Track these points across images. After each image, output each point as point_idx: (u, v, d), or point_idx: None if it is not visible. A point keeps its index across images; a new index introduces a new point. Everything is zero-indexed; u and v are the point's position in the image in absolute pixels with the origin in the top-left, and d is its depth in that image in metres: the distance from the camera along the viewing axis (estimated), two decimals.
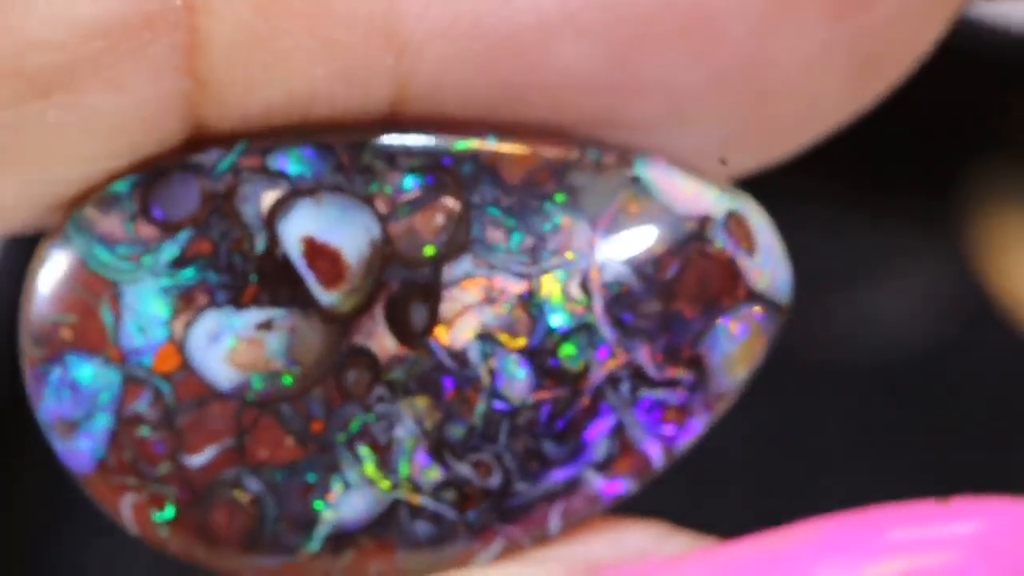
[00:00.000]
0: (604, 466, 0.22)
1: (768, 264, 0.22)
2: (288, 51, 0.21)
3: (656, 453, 0.22)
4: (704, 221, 0.22)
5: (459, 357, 0.21)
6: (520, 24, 0.21)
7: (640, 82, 0.21)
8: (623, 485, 0.22)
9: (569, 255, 0.22)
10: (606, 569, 0.21)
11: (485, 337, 0.21)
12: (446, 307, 0.21)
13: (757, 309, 0.22)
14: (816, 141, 0.24)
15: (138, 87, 0.20)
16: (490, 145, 0.21)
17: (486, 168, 0.21)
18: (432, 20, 0.21)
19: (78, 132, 0.21)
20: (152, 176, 0.21)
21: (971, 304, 0.64)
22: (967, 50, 0.57)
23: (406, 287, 0.21)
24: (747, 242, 0.22)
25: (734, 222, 0.22)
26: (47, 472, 0.62)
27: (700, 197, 0.22)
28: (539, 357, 0.22)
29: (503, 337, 0.21)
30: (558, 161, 0.22)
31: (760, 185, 0.24)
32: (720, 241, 0.22)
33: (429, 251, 0.21)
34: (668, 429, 0.22)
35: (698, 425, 0.22)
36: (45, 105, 0.20)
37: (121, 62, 0.20)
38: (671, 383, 0.22)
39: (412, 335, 0.21)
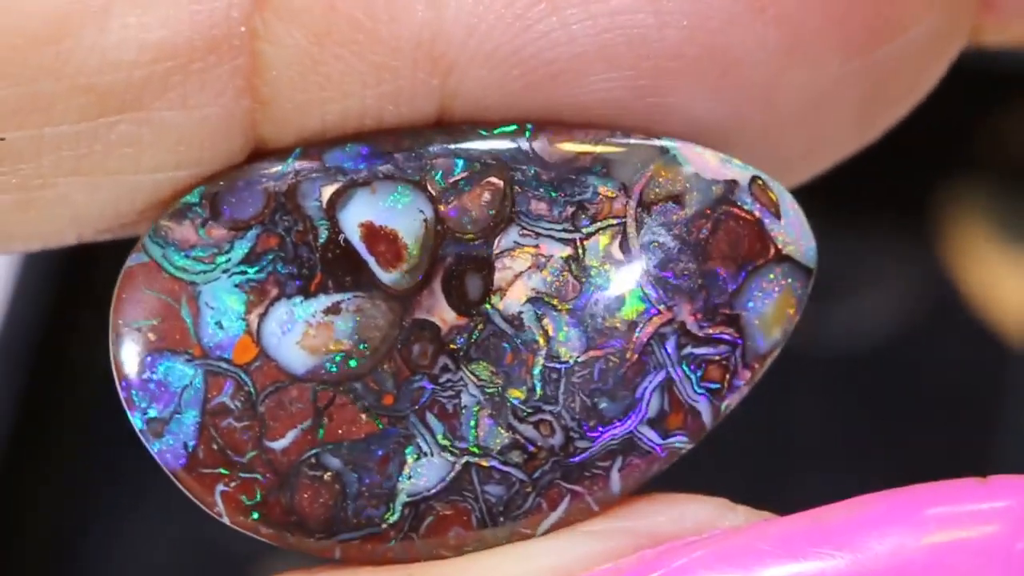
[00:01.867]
0: (657, 421, 0.23)
1: (794, 231, 0.23)
2: (340, 74, 0.22)
3: (705, 409, 0.23)
4: (731, 185, 0.23)
5: (514, 321, 0.23)
6: (557, 55, 0.22)
7: (663, 109, 0.23)
8: (677, 440, 0.23)
9: (609, 220, 0.23)
10: (673, 543, 0.22)
11: (536, 300, 0.23)
12: (499, 276, 0.23)
13: (786, 272, 0.23)
14: (822, 172, 0.25)
15: (203, 105, 0.22)
16: (528, 130, 0.23)
17: (525, 148, 0.23)
18: (475, 47, 0.22)
19: (147, 145, 0.22)
20: (218, 185, 0.22)
21: (941, 306, 0.65)
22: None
23: (460, 260, 0.23)
24: (772, 206, 0.23)
25: (758, 187, 0.23)
26: (73, 465, 0.63)
27: (725, 166, 0.23)
28: (588, 317, 0.23)
29: (553, 300, 0.23)
30: (591, 138, 0.23)
31: None
32: (747, 204, 0.23)
33: (479, 226, 0.23)
34: (713, 385, 0.23)
35: (740, 383, 0.23)
36: (117, 120, 0.22)
37: (188, 82, 0.22)
38: (713, 340, 0.23)
39: (469, 304, 0.23)
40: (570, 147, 0.23)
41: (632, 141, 0.23)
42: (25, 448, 0.60)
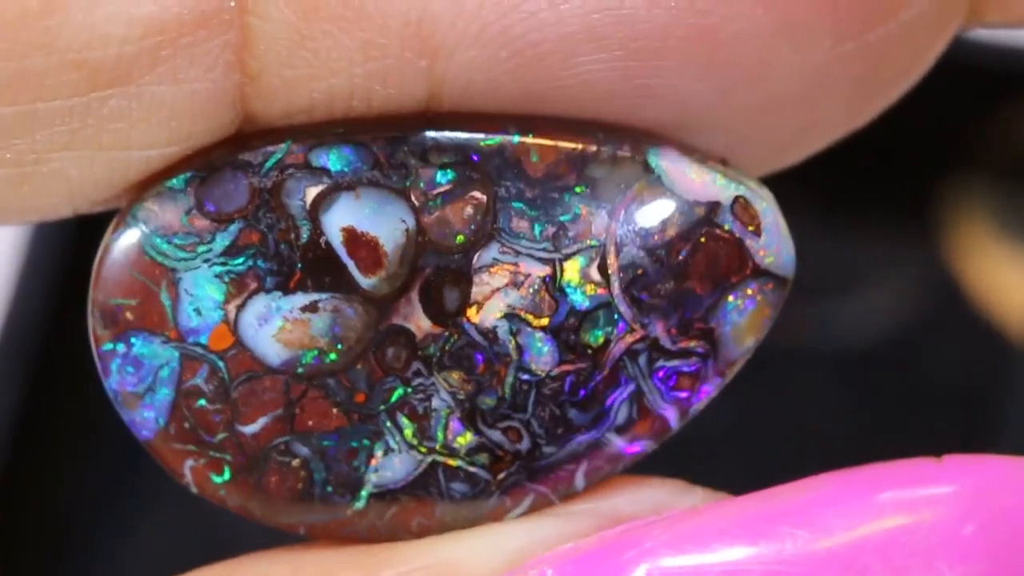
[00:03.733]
0: (624, 429, 0.23)
1: (773, 243, 0.23)
2: (328, 50, 0.22)
3: (672, 415, 0.23)
4: (713, 206, 0.23)
5: (488, 335, 0.23)
6: (545, 35, 0.22)
7: (652, 91, 0.23)
8: (642, 445, 0.23)
9: (589, 241, 0.23)
10: (632, 522, 0.23)
11: (512, 317, 0.23)
12: (476, 290, 0.23)
13: (763, 283, 0.23)
14: (813, 154, 0.25)
15: (193, 79, 0.22)
16: (514, 141, 0.23)
17: (510, 163, 0.23)
18: (463, 27, 0.22)
19: (138, 120, 0.22)
20: (204, 173, 0.23)
21: (944, 304, 0.65)
22: (944, 70, 0.58)
23: (439, 272, 0.23)
24: (753, 224, 0.23)
25: (740, 206, 0.23)
26: (84, 466, 0.63)
27: (709, 185, 0.23)
28: (562, 334, 0.23)
29: (529, 316, 0.23)
30: (577, 155, 0.23)
31: None
32: (728, 224, 0.23)
33: (460, 239, 0.23)
34: (683, 394, 0.23)
35: (710, 389, 0.23)
36: (108, 94, 0.22)
37: (178, 56, 0.22)
38: (685, 353, 0.23)
39: (445, 315, 0.23)
40: (555, 161, 0.23)
41: (618, 154, 0.23)
42: (28, 448, 0.60)
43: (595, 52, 0.22)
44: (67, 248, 0.60)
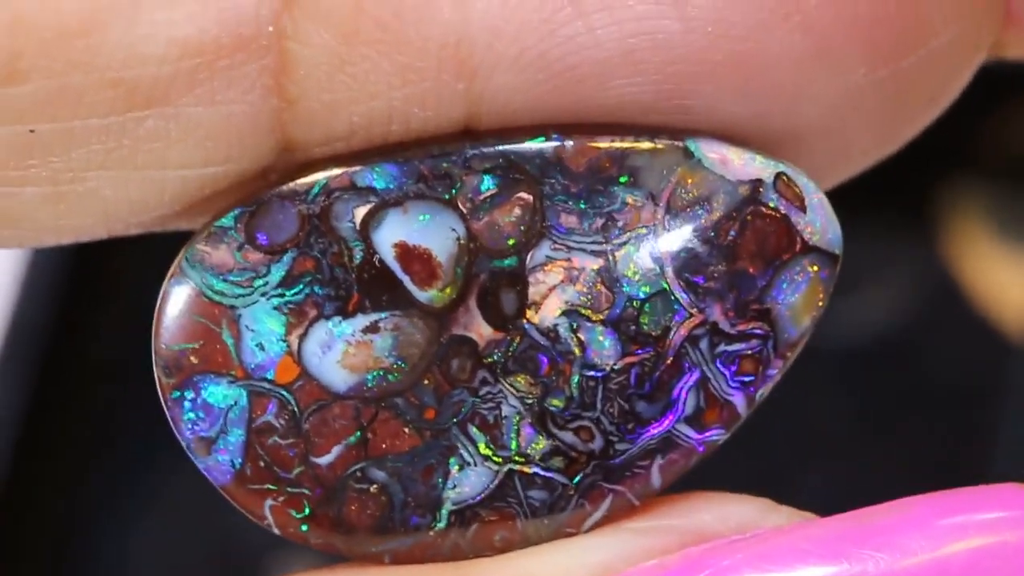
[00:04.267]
0: (694, 418, 0.23)
1: (819, 219, 0.23)
2: (368, 74, 0.22)
3: (740, 401, 0.23)
4: (756, 184, 0.23)
5: (550, 334, 0.23)
6: (582, 59, 0.22)
7: (686, 112, 0.23)
8: (714, 434, 0.23)
9: (638, 229, 0.23)
10: (717, 541, 0.23)
11: (571, 313, 0.23)
12: (533, 290, 0.23)
13: (812, 261, 0.23)
14: (844, 181, 0.25)
15: (230, 102, 0.22)
16: (554, 141, 0.23)
17: (552, 162, 0.23)
18: (501, 51, 0.22)
19: (174, 141, 0.22)
20: (252, 207, 0.23)
21: (942, 304, 0.65)
22: None
23: (494, 277, 0.23)
24: (798, 200, 0.23)
25: (783, 183, 0.23)
26: (87, 468, 0.63)
27: (749, 163, 0.23)
28: (622, 325, 0.23)
29: (587, 312, 0.23)
30: (617, 148, 0.23)
31: None
32: (773, 201, 0.23)
33: (511, 242, 0.23)
34: (747, 378, 0.23)
35: (773, 372, 0.23)
36: (145, 114, 0.22)
37: (215, 79, 0.22)
38: (745, 336, 0.23)
39: (505, 319, 0.23)
40: (596, 157, 0.23)
41: (657, 145, 0.23)
42: (31, 451, 0.60)
43: (632, 76, 0.23)
44: (71, 253, 0.61)
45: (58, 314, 0.61)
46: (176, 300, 0.23)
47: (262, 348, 0.23)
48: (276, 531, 0.23)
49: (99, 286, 0.61)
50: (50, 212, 0.22)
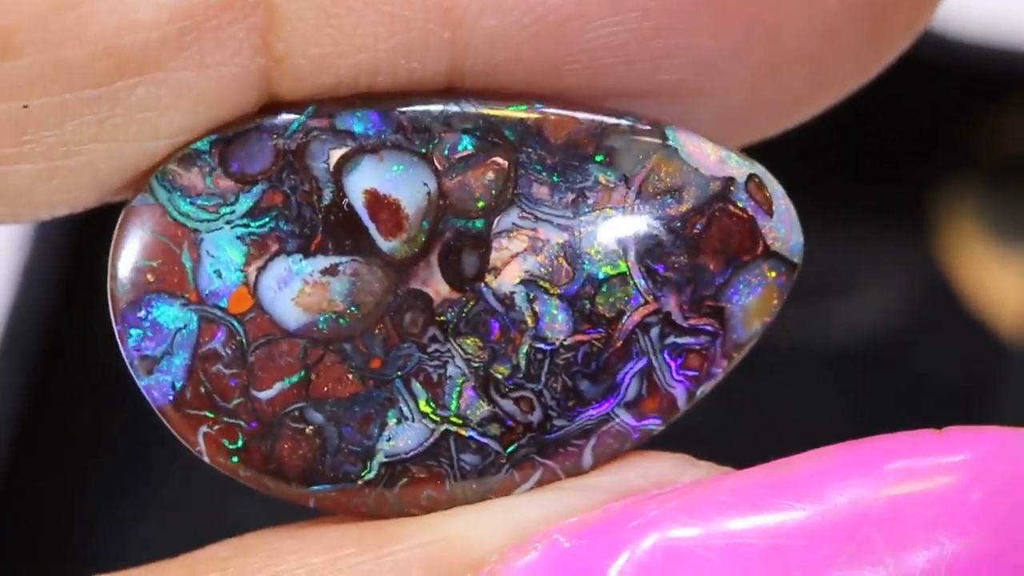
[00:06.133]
0: (634, 405, 0.23)
1: (783, 226, 0.23)
2: (354, 27, 0.22)
3: (681, 394, 0.23)
4: (728, 182, 0.23)
5: (505, 300, 0.23)
6: (564, 1, 0.22)
7: (669, 51, 0.23)
8: (651, 423, 0.23)
9: (607, 210, 0.23)
10: (636, 496, 0.23)
11: (529, 283, 0.23)
12: (495, 255, 0.23)
13: (772, 266, 0.23)
14: (825, 109, 0.25)
15: (219, 64, 0.22)
16: (536, 111, 0.23)
17: (532, 131, 0.23)
18: None
19: (166, 107, 0.22)
20: (229, 135, 0.23)
21: (938, 305, 0.65)
22: (936, 72, 0.58)
23: (459, 236, 0.23)
24: (766, 204, 0.23)
25: (754, 185, 0.23)
26: (85, 466, 0.63)
27: (724, 161, 0.23)
28: (578, 302, 0.23)
29: (545, 283, 0.23)
30: (597, 126, 0.23)
31: None
32: (742, 201, 0.23)
33: (480, 204, 0.23)
34: (692, 373, 0.23)
35: (717, 371, 0.23)
36: (136, 82, 0.22)
37: (203, 40, 0.22)
38: (695, 331, 0.23)
39: (463, 280, 0.23)
40: (575, 131, 0.23)
41: (637, 128, 0.23)
42: (30, 448, 0.60)
43: (612, 15, 0.23)
44: (69, 248, 0.61)
45: (56, 311, 0.61)
46: (140, 215, 0.23)
47: (219, 275, 0.23)
48: (206, 459, 0.23)
49: (99, 281, 0.61)
50: (45, 187, 0.22)
